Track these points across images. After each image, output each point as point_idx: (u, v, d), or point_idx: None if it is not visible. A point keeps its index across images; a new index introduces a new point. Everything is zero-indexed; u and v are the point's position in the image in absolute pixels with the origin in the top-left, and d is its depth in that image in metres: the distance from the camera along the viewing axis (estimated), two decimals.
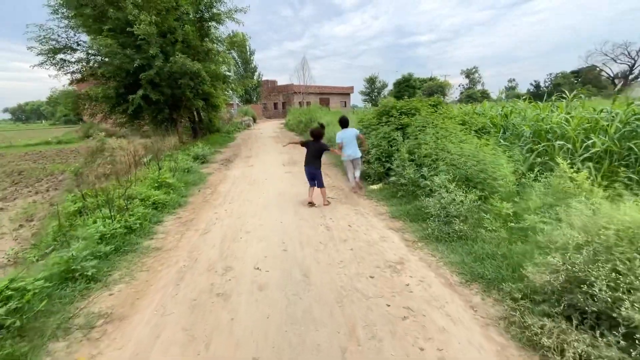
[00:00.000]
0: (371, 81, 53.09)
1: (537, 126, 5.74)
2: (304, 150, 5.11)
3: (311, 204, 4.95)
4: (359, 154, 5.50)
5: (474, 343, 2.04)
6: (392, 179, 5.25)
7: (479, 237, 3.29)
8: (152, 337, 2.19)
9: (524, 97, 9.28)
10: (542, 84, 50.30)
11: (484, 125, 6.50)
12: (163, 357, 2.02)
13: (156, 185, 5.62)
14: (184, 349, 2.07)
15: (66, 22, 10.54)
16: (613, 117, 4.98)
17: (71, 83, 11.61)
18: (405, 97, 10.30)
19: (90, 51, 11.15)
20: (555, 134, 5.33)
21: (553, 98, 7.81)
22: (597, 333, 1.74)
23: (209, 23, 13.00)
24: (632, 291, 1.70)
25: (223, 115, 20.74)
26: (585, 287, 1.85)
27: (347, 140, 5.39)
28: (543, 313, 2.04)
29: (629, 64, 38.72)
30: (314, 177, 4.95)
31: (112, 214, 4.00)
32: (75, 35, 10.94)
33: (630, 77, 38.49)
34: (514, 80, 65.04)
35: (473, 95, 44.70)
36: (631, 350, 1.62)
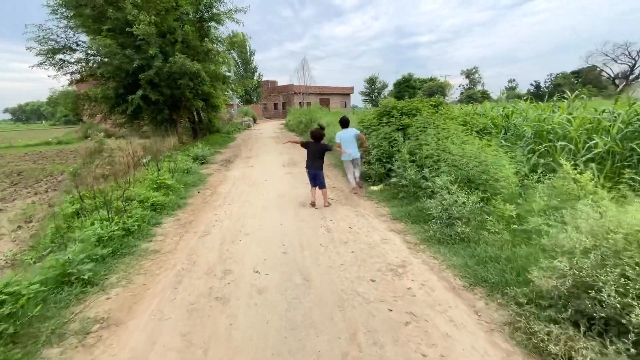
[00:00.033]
0: (371, 82, 53.08)
1: (538, 127, 5.70)
2: (304, 150, 5.07)
3: (313, 204, 4.94)
4: (358, 154, 5.54)
5: (478, 349, 1.99)
6: (393, 180, 5.20)
7: (481, 239, 3.24)
8: (148, 343, 2.14)
9: (525, 98, 9.24)
10: (542, 85, 50.32)
11: (485, 126, 6.46)
12: None
13: (155, 186, 5.57)
14: (182, 356, 2.02)
15: (65, 22, 10.49)
16: (615, 117, 4.93)
17: (70, 83, 11.56)
18: (406, 97, 10.25)
19: (89, 51, 11.10)
20: (557, 135, 5.29)
21: (555, 98, 7.78)
22: (608, 341, 1.69)
23: (209, 23, 12.95)
24: None
25: (223, 115, 20.70)
26: (593, 293, 1.80)
27: (346, 140, 5.39)
28: (549, 319, 1.99)
29: (629, 64, 38.69)
30: (316, 178, 4.91)
31: (110, 215, 3.95)
32: (74, 35, 10.90)
33: (631, 77, 38.43)
34: (514, 80, 65.12)
35: (473, 95, 44.63)
36: None
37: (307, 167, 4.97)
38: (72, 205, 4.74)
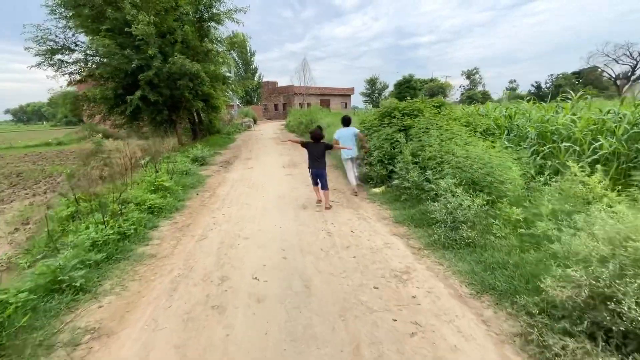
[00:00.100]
0: (372, 82, 52.99)
1: (542, 127, 5.60)
2: (304, 151, 5.00)
3: (320, 201, 5.01)
4: (356, 153, 5.53)
5: None
6: (395, 182, 5.09)
7: (488, 244, 3.13)
8: (140, 356, 2.03)
9: (527, 98, 9.14)
10: (543, 85, 50.20)
11: (488, 127, 6.36)
12: None
13: (152, 188, 5.47)
14: None
15: (64, 22, 10.40)
16: (621, 118, 4.83)
17: (69, 84, 11.47)
18: (407, 98, 10.15)
19: (88, 52, 11.00)
20: (561, 136, 5.19)
21: (558, 99, 7.68)
22: (630, 358, 1.58)
23: (209, 23, 12.86)
24: None
25: (223, 116, 20.60)
26: (612, 305, 1.69)
27: (345, 138, 5.36)
28: (564, 331, 1.88)
29: (631, 64, 38.50)
30: (318, 178, 4.84)
31: (105, 219, 3.85)
32: (73, 35, 10.80)
33: (633, 77, 38.26)
34: (514, 81, 65.05)
35: (474, 96, 44.58)
36: None
37: (309, 167, 4.93)
38: (68, 208, 4.64)
